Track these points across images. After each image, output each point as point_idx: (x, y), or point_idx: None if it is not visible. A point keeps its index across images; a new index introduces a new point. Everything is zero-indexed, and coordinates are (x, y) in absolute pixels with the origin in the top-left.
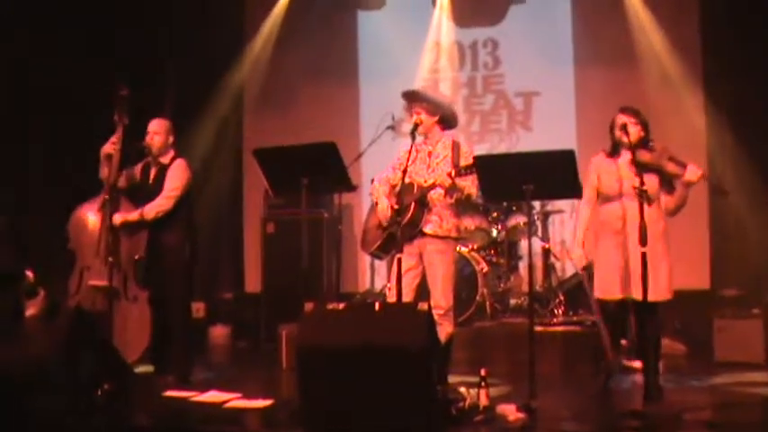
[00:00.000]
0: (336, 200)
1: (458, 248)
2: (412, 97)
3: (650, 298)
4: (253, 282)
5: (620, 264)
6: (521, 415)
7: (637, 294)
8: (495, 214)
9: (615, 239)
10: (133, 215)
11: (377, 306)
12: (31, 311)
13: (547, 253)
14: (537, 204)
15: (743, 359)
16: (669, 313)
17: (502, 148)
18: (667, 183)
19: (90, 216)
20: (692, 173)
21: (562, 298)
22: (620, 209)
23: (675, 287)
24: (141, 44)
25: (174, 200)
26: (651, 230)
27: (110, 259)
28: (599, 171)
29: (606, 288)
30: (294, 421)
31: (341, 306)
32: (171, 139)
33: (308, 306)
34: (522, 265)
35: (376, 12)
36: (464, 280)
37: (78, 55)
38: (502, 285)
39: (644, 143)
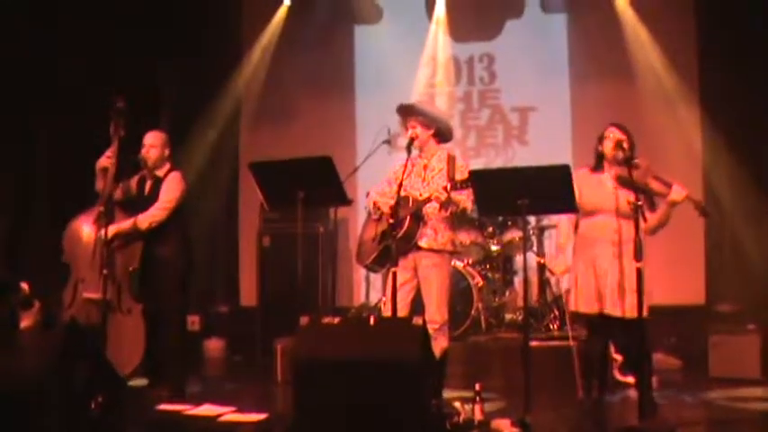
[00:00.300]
0: (332, 214)
1: (453, 263)
2: (407, 111)
3: (627, 314)
4: (248, 295)
5: (607, 277)
6: (515, 430)
7: (629, 310)
8: (490, 229)
9: (606, 253)
10: (126, 224)
11: (372, 320)
12: (25, 323)
13: (542, 268)
14: (532, 219)
15: (738, 375)
16: (665, 328)
17: (498, 162)
18: (649, 201)
19: (85, 228)
20: (677, 193)
21: (557, 313)
22: (614, 224)
23: (671, 302)
24: (139, 55)
25: (167, 211)
26: (629, 247)
27: (104, 272)
28: (581, 185)
29: (588, 302)
30: None
31: (336, 320)
32: (167, 151)
33: (304, 320)
34: (518, 280)
35: (373, 26)
36: (459, 294)
37: (79, 65)
38: (497, 300)
39: (629, 161)
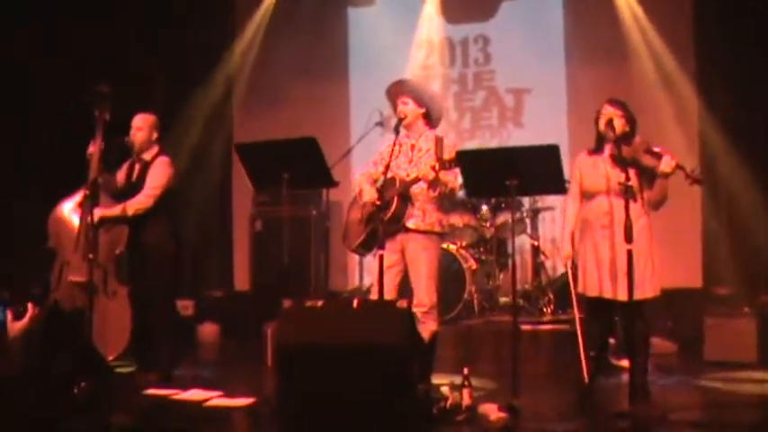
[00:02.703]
0: (324, 196)
1: (446, 246)
2: (399, 87)
3: (620, 297)
4: (242, 279)
5: (604, 261)
6: (502, 414)
7: (621, 293)
8: (483, 211)
9: (599, 236)
10: (113, 210)
11: (355, 303)
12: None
13: (536, 250)
14: (526, 201)
15: (734, 358)
16: (660, 312)
17: (493, 144)
18: (647, 176)
19: (70, 213)
20: (666, 164)
21: (551, 296)
22: (606, 205)
23: (667, 285)
24: (131, 38)
25: (154, 198)
26: (633, 227)
27: (90, 255)
28: (581, 169)
29: (590, 284)
30: (274, 419)
31: (319, 303)
32: (155, 135)
33: (287, 303)
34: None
35: (366, 8)
36: (451, 277)
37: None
38: (491, 283)
39: (628, 138)
